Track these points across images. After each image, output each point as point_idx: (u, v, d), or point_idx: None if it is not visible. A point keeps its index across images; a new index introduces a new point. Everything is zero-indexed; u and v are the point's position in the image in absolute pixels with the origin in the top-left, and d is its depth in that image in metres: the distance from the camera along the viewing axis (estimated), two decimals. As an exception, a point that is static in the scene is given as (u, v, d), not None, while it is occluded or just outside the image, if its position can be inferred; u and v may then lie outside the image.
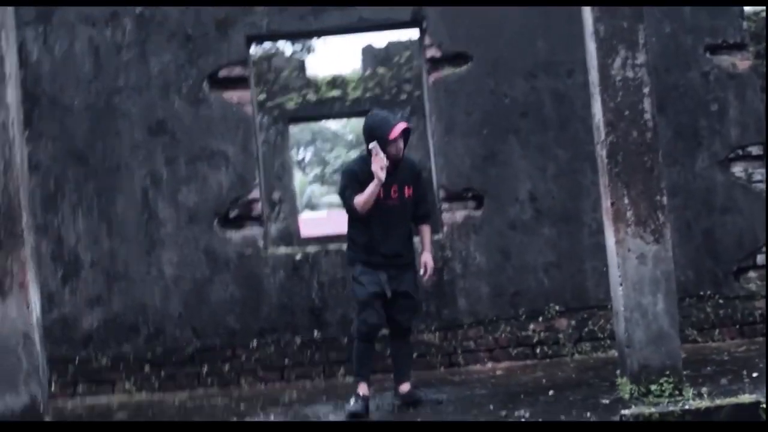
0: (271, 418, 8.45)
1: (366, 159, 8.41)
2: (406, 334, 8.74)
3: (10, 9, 7.83)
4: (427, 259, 8.68)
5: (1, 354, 7.55)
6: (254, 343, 10.10)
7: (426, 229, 8.80)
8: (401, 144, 8.44)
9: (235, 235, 10.16)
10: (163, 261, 10.09)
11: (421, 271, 8.64)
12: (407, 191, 8.53)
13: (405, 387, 8.61)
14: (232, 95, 10.26)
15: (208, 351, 10.12)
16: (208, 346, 10.11)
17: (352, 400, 8.41)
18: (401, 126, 8.37)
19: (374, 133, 8.39)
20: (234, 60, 10.25)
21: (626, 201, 7.68)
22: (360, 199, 8.39)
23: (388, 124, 8.38)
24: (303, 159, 62.98)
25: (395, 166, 8.46)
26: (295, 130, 51.15)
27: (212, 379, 10.11)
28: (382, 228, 8.45)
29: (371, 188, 8.30)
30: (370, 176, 8.27)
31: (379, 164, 8.24)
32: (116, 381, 10.09)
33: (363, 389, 8.49)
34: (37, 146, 10.05)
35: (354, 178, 8.50)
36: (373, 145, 8.30)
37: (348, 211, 8.58)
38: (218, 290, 10.12)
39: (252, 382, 10.10)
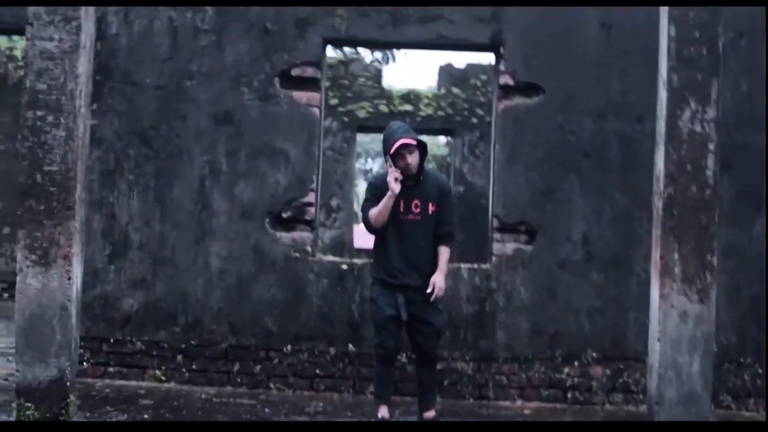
0: (293, 426, 8.45)
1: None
2: (429, 361, 8.66)
3: (92, -21, 7.93)
4: (437, 279, 8.42)
5: (36, 323, 7.62)
6: (288, 348, 10.07)
7: (443, 251, 8.55)
8: (409, 159, 8.32)
9: (284, 237, 10.14)
10: (210, 252, 10.09)
11: (429, 289, 8.41)
12: (431, 208, 8.44)
13: (429, 414, 8.57)
14: (302, 95, 10.23)
15: (242, 349, 10.10)
16: (243, 344, 10.09)
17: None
18: (400, 141, 8.27)
19: (383, 145, 8.42)
20: (308, 60, 10.21)
21: (676, 256, 7.61)
22: (374, 212, 8.38)
23: (392, 138, 8.35)
24: (370, 170, 63.06)
25: (416, 180, 8.43)
26: (366, 140, 51.15)
27: (242, 378, 10.08)
28: (402, 245, 8.40)
29: (384, 200, 8.27)
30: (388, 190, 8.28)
31: (393, 176, 8.25)
32: (147, 367, 10.09)
33: (382, 412, 8.51)
34: (103, 121, 10.10)
35: (372, 191, 8.51)
36: (388, 157, 8.31)
37: (365, 225, 8.57)
38: (261, 289, 10.10)
39: (281, 388, 10.05)
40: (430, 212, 8.44)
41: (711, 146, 7.62)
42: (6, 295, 18.50)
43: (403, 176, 8.29)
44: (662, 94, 7.79)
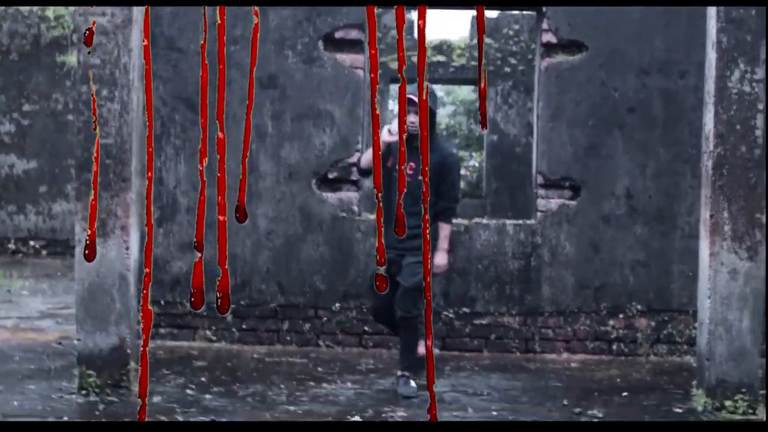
0: (348, 385, 8.57)
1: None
2: (402, 322, 8.44)
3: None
4: (437, 259, 8.35)
5: (96, 293, 7.75)
6: (337, 306, 10.20)
7: (442, 227, 8.41)
8: (412, 118, 8.09)
9: (331, 197, 10.23)
10: (258, 214, 10.17)
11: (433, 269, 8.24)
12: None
13: (399, 372, 8.48)
14: (346, 58, 10.27)
15: (291, 308, 10.23)
16: (292, 303, 10.22)
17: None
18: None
19: None
20: (351, 23, 10.25)
21: (725, 215, 7.67)
22: (365, 154, 8.75)
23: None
24: (401, 123, 63.20)
25: (418, 143, 8.28)
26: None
27: (291, 336, 10.22)
28: (388, 202, 8.09)
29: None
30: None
31: (386, 127, 8.32)
32: (198, 327, 10.23)
33: (420, 348, 8.46)
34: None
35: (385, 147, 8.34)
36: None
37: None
38: (308, 249, 10.21)
39: (330, 345, 10.19)
40: (420, 177, 8.24)
41: (760, 106, 7.66)
42: (45, 252, 18.66)
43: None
44: (711, 55, 7.82)
